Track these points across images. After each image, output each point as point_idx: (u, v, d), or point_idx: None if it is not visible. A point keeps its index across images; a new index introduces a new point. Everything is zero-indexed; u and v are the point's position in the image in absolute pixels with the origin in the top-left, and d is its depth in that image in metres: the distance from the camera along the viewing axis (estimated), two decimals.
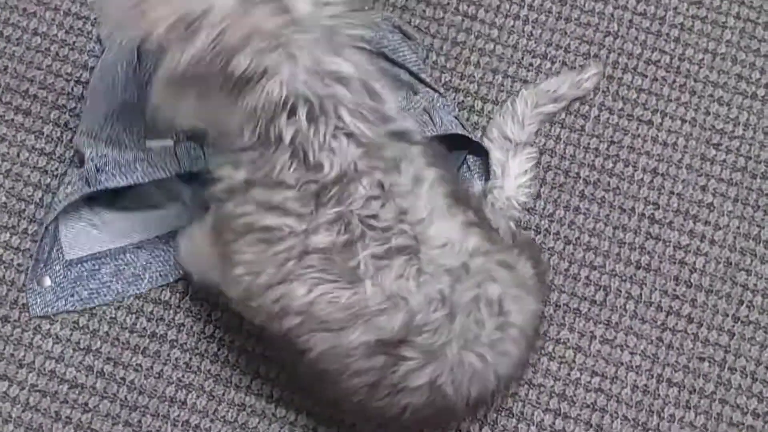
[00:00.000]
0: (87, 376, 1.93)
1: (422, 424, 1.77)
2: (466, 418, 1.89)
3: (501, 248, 1.67)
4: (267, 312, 1.60)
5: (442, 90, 2.09)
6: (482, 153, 2.03)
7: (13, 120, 2.09)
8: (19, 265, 2.00)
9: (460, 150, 2.04)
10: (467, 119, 2.11)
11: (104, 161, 1.91)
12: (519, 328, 1.65)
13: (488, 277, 1.61)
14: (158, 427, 1.90)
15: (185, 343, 1.95)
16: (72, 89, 2.11)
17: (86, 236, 1.99)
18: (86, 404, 1.91)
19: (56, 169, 2.06)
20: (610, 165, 2.08)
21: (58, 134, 2.08)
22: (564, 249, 2.03)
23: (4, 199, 2.04)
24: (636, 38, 2.15)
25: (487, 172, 2.03)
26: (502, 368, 1.67)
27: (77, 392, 1.92)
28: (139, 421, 1.91)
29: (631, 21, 2.16)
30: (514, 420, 1.93)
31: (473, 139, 2.00)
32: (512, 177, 2.01)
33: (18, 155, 2.07)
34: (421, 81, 2.07)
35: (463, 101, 2.13)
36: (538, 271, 1.76)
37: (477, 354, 1.62)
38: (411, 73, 2.07)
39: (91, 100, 2.01)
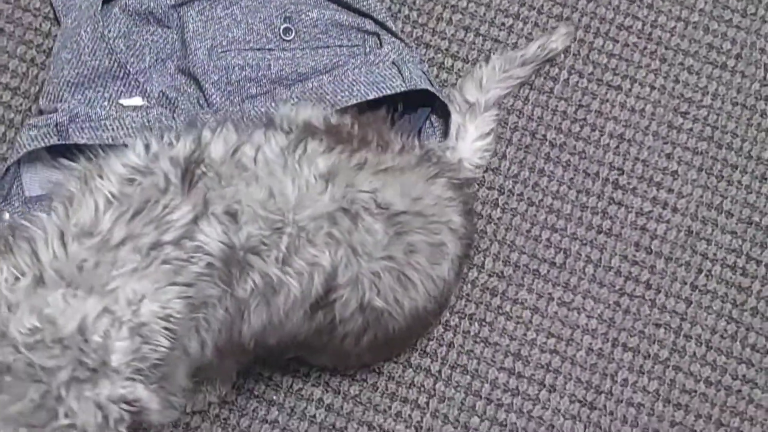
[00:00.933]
0: None
1: (385, 346, 1.73)
2: (427, 325, 1.82)
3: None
4: None
5: (408, 41, 2.03)
6: (446, 113, 1.97)
7: None
8: None
9: (425, 107, 1.98)
10: (436, 76, 2.05)
11: (75, 112, 1.85)
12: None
13: (353, 193, 1.52)
14: None
15: None
16: (40, 25, 2.04)
17: (47, 175, 1.93)
18: None
19: (20, 104, 1.99)
20: (577, 128, 2.04)
21: (24, 69, 2.01)
22: (527, 210, 1.98)
23: None
24: (609, 3, 2.10)
25: (447, 132, 1.98)
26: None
27: None
28: None
29: None
30: (468, 377, 1.89)
31: (440, 96, 1.94)
32: (469, 140, 1.94)
33: None
34: (388, 30, 2.01)
35: (433, 57, 2.07)
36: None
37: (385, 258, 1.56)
38: (377, 22, 2.02)
39: (55, 68, 1.93)
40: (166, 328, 1.35)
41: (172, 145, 1.46)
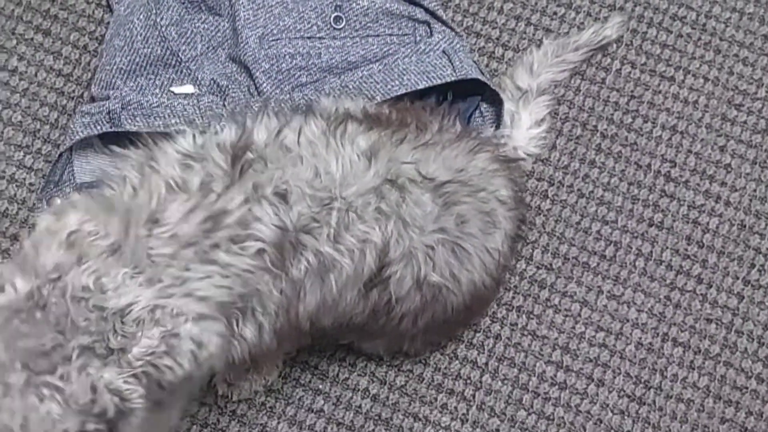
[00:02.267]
0: None
1: (443, 326, 1.68)
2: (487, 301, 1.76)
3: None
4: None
5: (458, 30, 1.96)
6: (497, 101, 1.90)
7: (32, 39, 1.98)
8: (30, 184, 1.89)
9: (474, 96, 1.91)
10: (486, 65, 1.98)
11: (127, 100, 1.80)
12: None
13: (396, 166, 1.48)
14: None
15: None
16: (93, 12, 2.00)
17: (98, 162, 1.88)
18: None
19: (73, 91, 1.95)
20: (629, 120, 1.96)
21: (77, 56, 1.97)
22: (577, 202, 1.91)
23: (20, 118, 1.93)
24: None
25: (500, 120, 1.90)
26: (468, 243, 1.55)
27: None
28: None
29: None
30: (515, 370, 1.82)
31: (491, 86, 1.87)
32: (523, 128, 1.88)
33: (36, 75, 1.96)
34: (439, 19, 1.94)
35: (483, 47, 2.00)
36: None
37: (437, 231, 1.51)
38: (428, 10, 1.95)
39: (107, 55, 1.89)
40: (193, 353, 1.33)
41: (218, 133, 1.44)
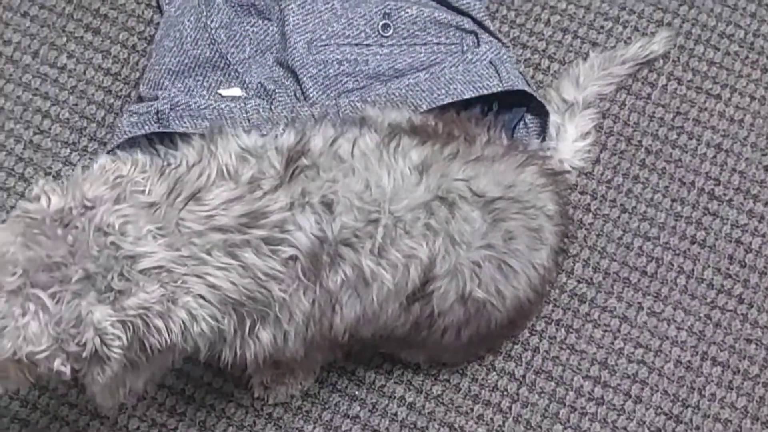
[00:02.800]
0: None
1: (486, 340, 1.67)
2: (529, 318, 1.75)
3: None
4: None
5: (505, 41, 1.94)
6: (542, 113, 1.88)
7: (82, 38, 1.98)
8: None
9: (519, 107, 1.90)
10: (531, 77, 1.97)
11: (176, 101, 1.80)
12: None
13: (448, 182, 1.46)
14: None
15: None
16: (142, 12, 2.00)
17: None
18: None
19: (120, 90, 1.95)
20: (674, 136, 1.93)
21: (125, 56, 1.97)
22: (619, 217, 1.89)
23: (67, 114, 1.93)
24: (711, 10, 1.99)
25: (544, 132, 1.88)
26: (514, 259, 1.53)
27: None
28: None
29: None
30: (552, 383, 1.80)
31: (537, 97, 1.85)
32: (569, 140, 1.86)
33: (84, 73, 1.96)
34: (486, 30, 1.93)
35: (529, 58, 1.98)
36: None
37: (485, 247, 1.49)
38: (475, 21, 1.93)
39: (156, 55, 1.89)
40: (184, 324, 1.31)
41: (278, 136, 1.44)
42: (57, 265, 1.27)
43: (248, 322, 1.37)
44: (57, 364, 1.28)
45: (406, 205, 1.41)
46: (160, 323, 1.29)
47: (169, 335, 1.30)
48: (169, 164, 1.39)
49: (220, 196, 1.34)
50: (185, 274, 1.30)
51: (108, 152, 1.81)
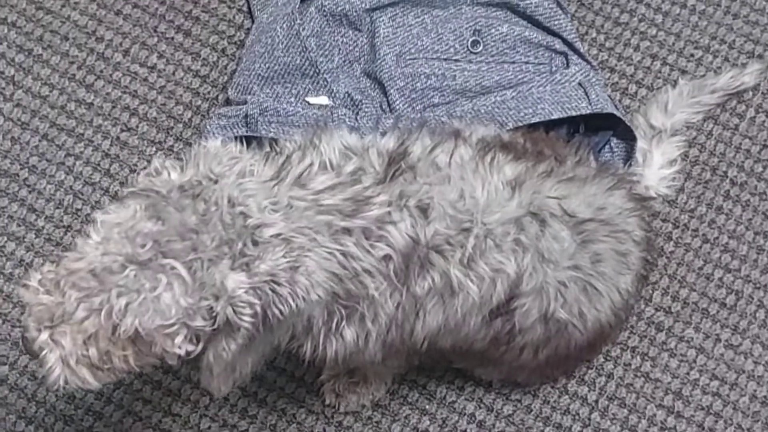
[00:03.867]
0: None
1: (563, 362, 1.65)
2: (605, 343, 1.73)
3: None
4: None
5: (594, 63, 1.92)
6: (629, 137, 1.86)
7: (173, 39, 1.99)
8: None
9: (605, 130, 1.87)
10: (618, 101, 1.94)
11: (265, 106, 1.80)
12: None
13: (540, 199, 1.44)
14: None
15: None
16: (234, 16, 2.01)
17: None
18: None
19: (208, 92, 1.96)
20: (760, 169, 1.90)
21: (215, 59, 1.98)
22: (701, 247, 1.86)
23: (155, 114, 1.94)
24: None
25: (629, 157, 1.86)
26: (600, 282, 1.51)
27: None
28: None
29: None
30: (625, 410, 1.77)
31: (626, 122, 1.83)
32: (655, 167, 1.84)
33: (173, 74, 1.97)
34: (576, 51, 1.91)
35: (617, 82, 1.96)
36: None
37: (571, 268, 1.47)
38: (566, 42, 1.92)
39: (247, 60, 1.89)
40: (307, 290, 1.30)
41: (379, 139, 1.44)
42: (190, 234, 1.26)
43: (336, 318, 1.36)
44: (179, 340, 1.27)
45: (498, 218, 1.40)
46: (285, 290, 1.28)
47: (293, 301, 1.29)
48: (274, 151, 1.39)
49: (324, 183, 1.34)
50: (302, 246, 1.30)
51: None
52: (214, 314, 1.27)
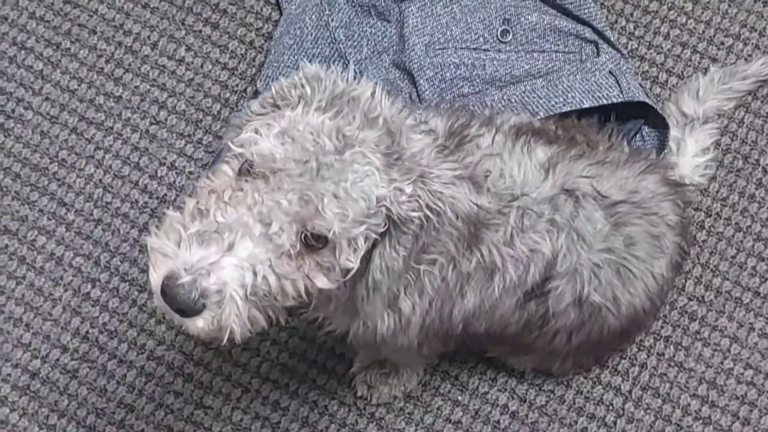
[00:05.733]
0: None
1: (596, 348, 1.63)
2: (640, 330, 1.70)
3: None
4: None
5: (624, 52, 1.90)
6: (660, 125, 1.83)
7: (201, 31, 1.98)
8: (190, 173, 1.89)
9: (636, 119, 1.85)
10: (649, 89, 1.92)
11: None
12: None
13: (572, 179, 1.42)
14: None
15: None
16: (261, 9, 1.99)
17: None
18: None
19: (236, 85, 1.94)
20: None
21: (243, 51, 1.96)
22: (733, 236, 1.83)
23: (183, 107, 1.93)
24: None
25: (661, 146, 1.83)
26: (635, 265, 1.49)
27: None
28: None
29: None
30: (659, 400, 1.75)
31: (657, 109, 1.80)
32: (689, 155, 1.81)
33: (202, 66, 1.95)
34: (606, 40, 1.88)
35: (647, 71, 1.94)
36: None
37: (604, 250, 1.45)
38: (596, 30, 1.89)
39: (275, 52, 1.88)
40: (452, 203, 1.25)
41: (427, 121, 1.40)
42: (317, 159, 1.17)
43: (400, 285, 1.31)
44: (361, 243, 1.20)
45: (534, 198, 1.39)
46: (443, 204, 1.24)
47: (455, 209, 1.25)
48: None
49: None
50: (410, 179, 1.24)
51: (222, 148, 1.81)
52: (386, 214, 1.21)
